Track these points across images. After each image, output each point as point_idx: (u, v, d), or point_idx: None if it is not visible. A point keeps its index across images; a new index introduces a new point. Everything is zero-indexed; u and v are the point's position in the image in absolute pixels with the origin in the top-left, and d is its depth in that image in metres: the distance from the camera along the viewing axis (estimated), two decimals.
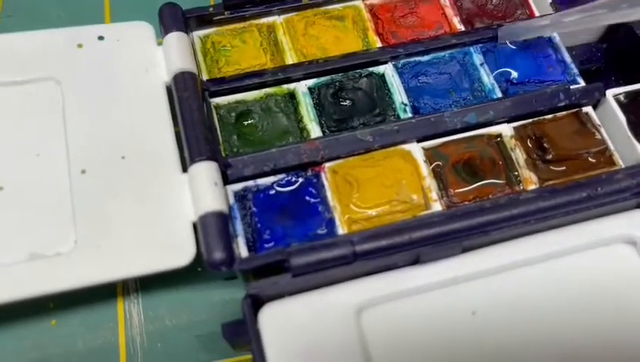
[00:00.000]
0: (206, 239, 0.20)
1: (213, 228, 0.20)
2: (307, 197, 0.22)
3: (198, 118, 0.22)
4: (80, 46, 0.23)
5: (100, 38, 0.23)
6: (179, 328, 0.23)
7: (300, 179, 0.23)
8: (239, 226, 0.21)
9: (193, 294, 0.23)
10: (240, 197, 0.22)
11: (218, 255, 0.20)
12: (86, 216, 0.20)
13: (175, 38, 0.23)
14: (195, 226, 0.20)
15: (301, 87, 0.24)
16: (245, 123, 0.24)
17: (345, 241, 0.20)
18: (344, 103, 0.24)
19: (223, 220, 0.20)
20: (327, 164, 0.23)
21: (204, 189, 0.20)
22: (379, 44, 0.25)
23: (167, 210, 0.21)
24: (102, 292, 0.23)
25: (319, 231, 0.22)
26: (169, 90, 0.23)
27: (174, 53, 0.23)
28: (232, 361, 0.22)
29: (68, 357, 0.22)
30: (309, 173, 0.23)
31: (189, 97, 0.22)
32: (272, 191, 0.22)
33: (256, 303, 0.21)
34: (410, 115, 0.24)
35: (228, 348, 0.22)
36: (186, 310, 0.23)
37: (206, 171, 0.21)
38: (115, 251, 0.20)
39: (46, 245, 0.19)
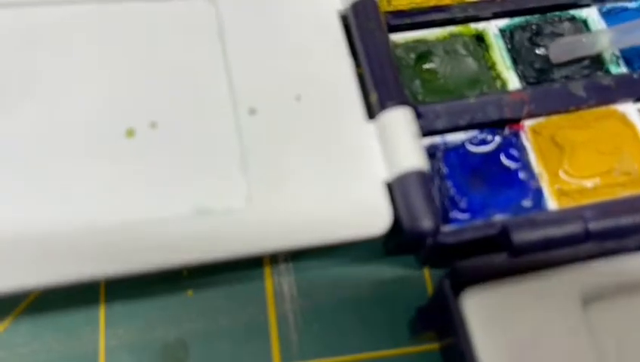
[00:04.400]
0: (409, 203, 0.16)
1: (417, 190, 0.16)
2: (506, 161, 0.18)
3: (387, 54, 0.18)
4: None
5: None
6: (338, 308, 0.19)
7: (497, 138, 0.19)
8: None
9: (352, 269, 0.19)
10: (427, 155, 0.18)
11: (426, 223, 0.16)
12: (259, 167, 0.16)
13: None
14: (389, 187, 0.17)
15: (492, 28, 0.20)
16: (425, 67, 0.20)
17: (575, 217, 0.16)
18: (542, 50, 0.20)
19: (426, 181, 0.16)
20: (527, 123, 0.19)
21: (403, 141, 0.16)
22: None
23: (352, 165, 0.17)
24: (245, 259, 0.19)
25: (524, 204, 0.18)
26: (344, 21, 0.19)
27: None
28: (407, 351, 0.19)
29: (209, 334, 0.18)
30: (507, 131, 0.19)
31: (374, 29, 0.18)
32: (463, 151, 0.19)
33: (455, 285, 0.17)
34: (624, 69, 0.20)
35: (398, 334, 0.19)
36: (345, 287, 0.19)
37: (403, 119, 0.17)
38: (296, 213, 0.16)
39: (213, 198, 0.16)
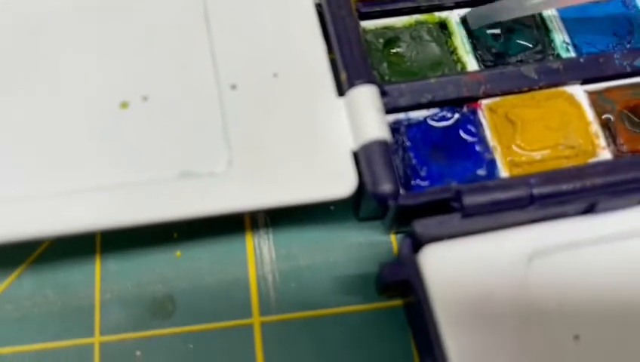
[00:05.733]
0: (372, 169, 0.18)
1: (379, 158, 0.18)
2: (464, 135, 0.20)
3: (357, 38, 0.20)
4: None
5: None
6: (313, 269, 0.21)
7: (456, 115, 0.21)
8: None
9: (326, 234, 0.21)
10: (391, 130, 0.20)
11: (387, 186, 0.18)
12: (239, 136, 0.18)
13: None
14: (354, 155, 0.19)
15: (454, 17, 0.22)
16: (392, 51, 0.22)
17: (521, 183, 0.18)
18: (500, 36, 0.22)
19: (388, 150, 0.18)
20: (484, 102, 0.21)
21: (368, 115, 0.18)
22: None
23: (323, 136, 0.19)
24: (228, 224, 0.21)
25: (479, 173, 0.20)
26: (318, 8, 0.21)
27: None
28: (375, 307, 0.20)
29: (195, 292, 0.20)
30: (465, 109, 0.21)
31: (345, 16, 0.20)
32: (425, 126, 0.21)
33: (414, 244, 0.19)
34: (572, 54, 0.22)
35: (367, 292, 0.21)
36: (319, 250, 0.21)
37: (369, 95, 0.19)
38: (272, 176, 0.18)
39: (197, 163, 0.17)
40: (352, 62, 0.19)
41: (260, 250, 0.21)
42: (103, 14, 0.19)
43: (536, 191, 0.18)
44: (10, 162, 0.17)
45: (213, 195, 0.17)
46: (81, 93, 0.18)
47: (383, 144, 0.18)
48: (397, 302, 0.20)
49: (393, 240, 0.21)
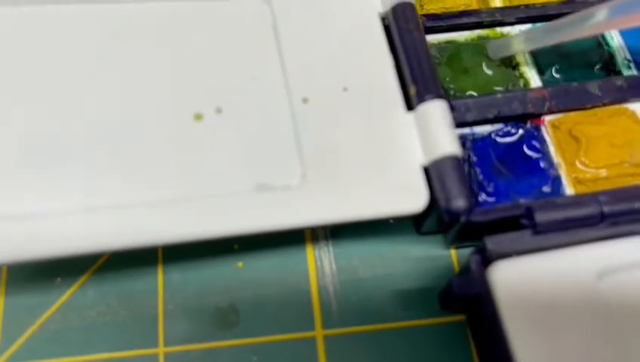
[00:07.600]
0: (445, 185, 0.18)
1: (452, 173, 0.18)
2: (528, 151, 0.20)
3: (425, 52, 0.20)
4: None
5: None
6: (374, 281, 0.21)
7: (520, 131, 0.21)
8: None
9: (385, 247, 0.21)
10: None
11: (461, 202, 0.18)
12: (312, 149, 0.18)
13: None
14: (426, 170, 0.19)
15: (516, 32, 0.22)
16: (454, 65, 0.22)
17: (591, 200, 0.18)
18: (562, 53, 0.22)
19: (460, 165, 0.18)
20: (547, 118, 0.21)
21: (439, 130, 0.18)
22: None
23: (393, 150, 0.19)
24: (288, 235, 0.21)
25: (544, 189, 0.20)
26: (383, 22, 0.21)
27: None
28: (437, 321, 0.20)
29: (258, 302, 0.20)
30: (529, 125, 0.21)
31: (412, 30, 0.20)
32: (490, 141, 0.21)
33: (483, 260, 0.19)
34: (635, 72, 0.22)
35: (428, 306, 0.21)
36: (379, 263, 0.21)
37: (440, 110, 0.19)
38: (345, 190, 0.18)
39: (273, 176, 0.17)
40: (421, 76, 0.19)
41: (320, 262, 0.21)
42: (177, 26, 0.19)
43: (606, 208, 0.18)
44: (84, 174, 0.17)
45: (291, 209, 0.17)
46: (154, 106, 0.18)
47: (455, 159, 0.18)
48: (459, 317, 0.20)
49: (453, 254, 0.21)
